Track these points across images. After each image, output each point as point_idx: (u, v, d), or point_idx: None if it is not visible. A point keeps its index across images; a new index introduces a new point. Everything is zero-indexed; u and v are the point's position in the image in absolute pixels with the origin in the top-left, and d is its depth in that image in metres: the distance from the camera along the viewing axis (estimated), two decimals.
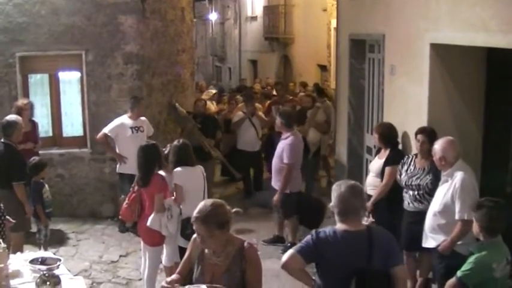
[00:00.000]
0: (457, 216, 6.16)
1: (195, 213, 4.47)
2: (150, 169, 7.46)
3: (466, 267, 5.10)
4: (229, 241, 4.58)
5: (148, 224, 7.38)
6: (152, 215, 7.37)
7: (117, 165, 10.30)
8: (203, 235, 4.45)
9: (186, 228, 7.18)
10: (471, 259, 5.09)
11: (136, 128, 10.20)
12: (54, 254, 7.92)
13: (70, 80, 11.45)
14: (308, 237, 4.68)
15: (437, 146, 6.40)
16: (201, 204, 4.52)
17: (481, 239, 5.17)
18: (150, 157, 7.50)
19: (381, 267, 4.54)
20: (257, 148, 12.64)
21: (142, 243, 7.77)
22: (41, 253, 6.36)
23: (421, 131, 7.25)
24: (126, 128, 10.12)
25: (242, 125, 12.33)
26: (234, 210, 4.76)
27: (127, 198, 7.82)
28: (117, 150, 10.23)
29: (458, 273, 5.13)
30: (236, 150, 12.72)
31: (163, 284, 4.66)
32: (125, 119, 10.21)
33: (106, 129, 10.14)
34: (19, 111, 9.62)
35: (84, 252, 9.57)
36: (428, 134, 7.13)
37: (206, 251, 4.64)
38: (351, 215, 4.62)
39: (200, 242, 4.57)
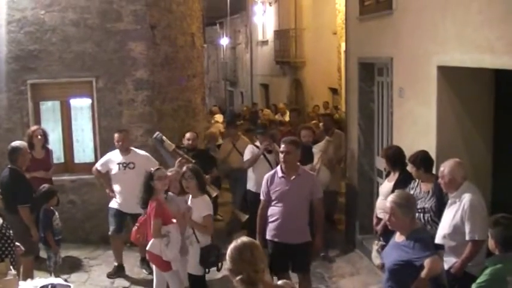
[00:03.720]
0: (467, 237, 6.16)
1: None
2: (148, 192, 7.50)
3: (481, 279, 5.09)
4: None
5: (148, 248, 7.45)
6: (152, 240, 7.41)
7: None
8: None
9: (206, 256, 7.27)
10: (486, 271, 5.08)
11: (125, 165, 9.51)
12: (66, 280, 7.99)
13: (81, 106, 11.56)
14: None
15: (445, 168, 6.41)
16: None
17: (496, 253, 5.16)
18: (144, 187, 7.57)
19: None
20: None
21: (154, 267, 7.79)
22: (51, 280, 6.38)
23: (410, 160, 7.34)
24: (113, 164, 9.60)
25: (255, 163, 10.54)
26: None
27: (137, 221, 7.89)
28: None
29: (473, 285, 5.11)
30: (246, 191, 10.89)
31: None
32: (114, 154, 9.69)
33: (98, 164, 9.84)
34: (30, 138, 9.73)
35: (96, 278, 9.60)
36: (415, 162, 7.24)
37: None
38: None
39: None
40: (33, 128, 10.09)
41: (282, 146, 7.62)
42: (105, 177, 9.84)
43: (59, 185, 10.24)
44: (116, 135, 9.61)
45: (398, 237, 5.77)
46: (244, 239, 4.16)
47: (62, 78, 11.01)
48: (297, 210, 7.58)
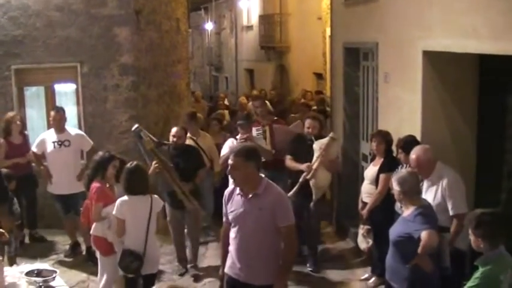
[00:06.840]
0: (451, 213, 6.42)
1: None
2: (92, 175, 7.47)
3: (473, 282, 4.90)
4: None
5: (91, 231, 7.39)
6: (94, 223, 7.34)
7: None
8: None
9: (122, 260, 6.85)
10: (477, 274, 4.92)
11: (60, 143, 9.58)
12: (51, 265, 7.93)
13: (66, 92, 11.48)
14: None
15: (413, 155, 6.61)
16: None
17: (484, 252, 5.01)
18: (97, 164, 7.51)
19: None
20: None
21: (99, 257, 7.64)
22: (37, 265, 6.35)
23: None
24: (48, 143, 9.63)
25: None
26: None
27: (82, 205, 7.82)
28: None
29: None
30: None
31: None
32: (48, 133, 9.80)
33: (33, 147, 9.82)
34: (8, 124, 9.74)
35: (82, 263, 9.55)
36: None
37: None
38: None
39: None
40: (11, 114, 10.14)
41: (230, 157, 5.59)
42: (40, 160, 9.82)
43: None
44: (52, 113, 9.78)
45: (405, 213, 5.98)
46: None
47: (46, 63, 10.90)
48: (256, 240, 5.52)
